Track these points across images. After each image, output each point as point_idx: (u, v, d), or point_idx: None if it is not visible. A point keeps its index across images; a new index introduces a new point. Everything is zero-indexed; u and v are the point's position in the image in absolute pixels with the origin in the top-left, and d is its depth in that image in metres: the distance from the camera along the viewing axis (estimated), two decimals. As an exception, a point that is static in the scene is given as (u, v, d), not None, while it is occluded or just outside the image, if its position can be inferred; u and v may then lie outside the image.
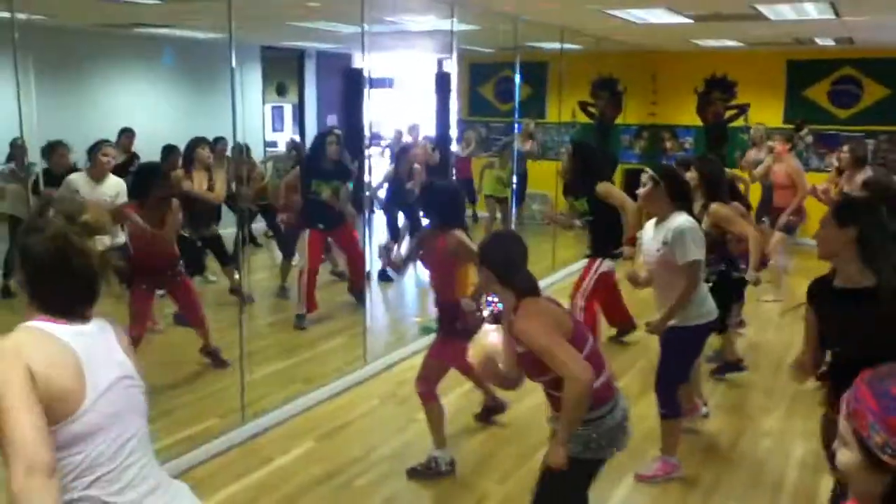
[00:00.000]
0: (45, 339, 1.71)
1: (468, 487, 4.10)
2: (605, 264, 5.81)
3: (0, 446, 1.59)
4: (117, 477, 1.77)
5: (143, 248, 5.17)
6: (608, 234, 5.81)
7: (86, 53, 9.11)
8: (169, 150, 7.46)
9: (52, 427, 1.65)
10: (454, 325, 4.14)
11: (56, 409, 1.66)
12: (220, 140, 7.94)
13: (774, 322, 7.04)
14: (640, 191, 4.08)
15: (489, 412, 4.86)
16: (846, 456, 1.24)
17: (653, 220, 4.09)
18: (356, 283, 7.10)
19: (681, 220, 3.89)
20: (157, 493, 1.84)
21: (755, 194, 8.26)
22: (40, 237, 1.75)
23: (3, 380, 1.61)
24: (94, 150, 5.76)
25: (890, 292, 2.71)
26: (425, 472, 4.15)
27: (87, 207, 1.82)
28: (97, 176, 5.67)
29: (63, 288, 1.77)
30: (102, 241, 1.79)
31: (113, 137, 8.02)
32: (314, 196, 6.62)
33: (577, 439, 2.75)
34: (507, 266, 2.87)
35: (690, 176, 4.91)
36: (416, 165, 8.49)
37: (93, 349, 1.77)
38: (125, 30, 8.97)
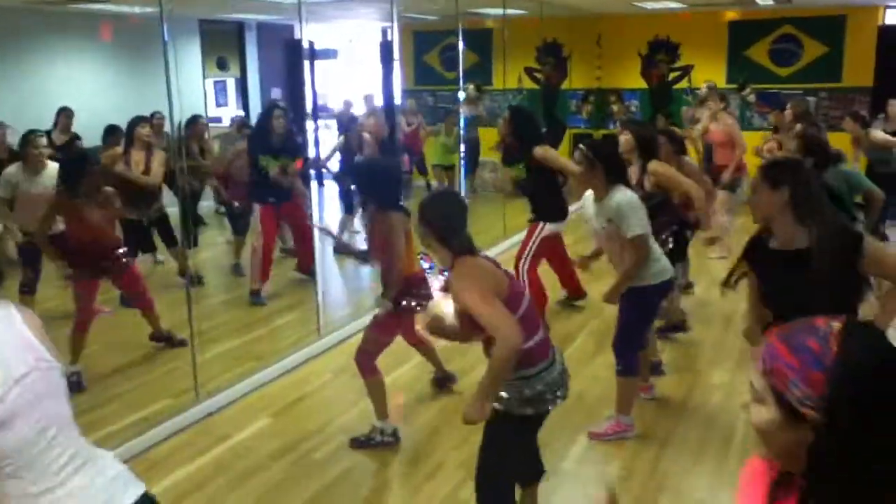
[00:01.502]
0: None
1: (425, 455, 4.13)
2: (548, 228, 5.85)
3: None
4: (39, 462, 1.75)
5: (82, 236, 4.99)
6: (549, 199, 5.84)
7: (18, 31, 8.79)
8: (110, 131, 7.26)
9: None
10: (405, 301, 4.12)
11: None
12: (155, 114, 7.72)
13: (721, 278, 7.16)
14: (577, 169, 4.11)
15: (439, 383, 4.88)
16: (762, 413, 1.22)
17: (591, 193, 4.11)
18: (304, 260, 7.03)
19: (619, 196, 3.91)
20: (82, 472, 1.81)
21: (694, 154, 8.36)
22: None
23: None
24: (24, 144, 5.56)
25: (824, 250, 2.76)
26: (367, 443, 4.17)
27: None
28: (33, 167, 5.49)
29: None
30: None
31: (49, 116, 7.81)
32: (263, 172, 6.51)
33: (517, 396, 2.80)
34: (446, 224, 2.87)
35: (625, 139, 4.95)
36: (366, 135, 8.40)
37: (1, 338, 1.72)
38: (58, 6, 8.66)
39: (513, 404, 2.82)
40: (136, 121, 6.40)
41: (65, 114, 7.85)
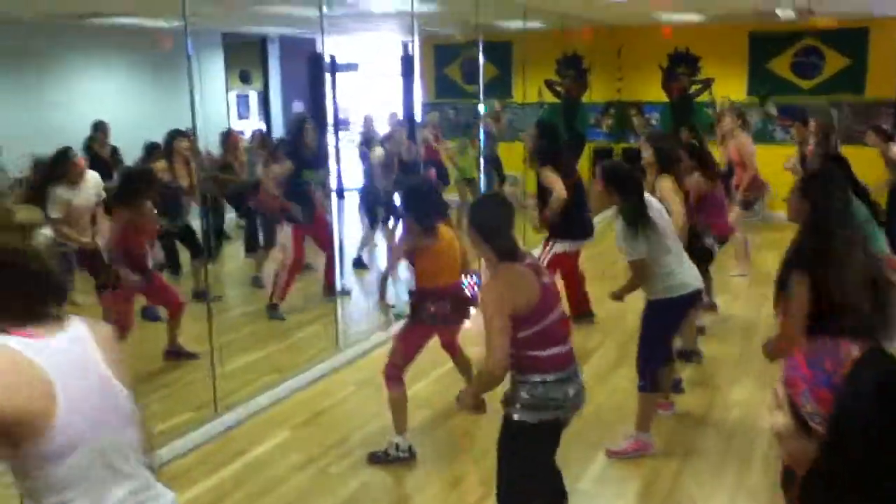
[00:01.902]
0: (8, 359, 1.63)
1: (444, 470, 4.13)
2: (559, 245, 5.84)
3: None
4: (97, 494, 1.74)
5: (128, 248, 5.17)
6: (563, 215, 5.82)
7: (41, 47, 8.92)
8: (151, 148, 7.36)
9: (25, 446, 1.62)
10: (421, 311, 4.17)
11: (25, 426, 1.62)
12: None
13: (741, 295, 7.14)
14: (597, 188, 4.18)
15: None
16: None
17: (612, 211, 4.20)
18: (329, 280, 7.06)
19: (620, 221, 4.01)
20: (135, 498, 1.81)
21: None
22: None
23: None
24: (65, 161, 5.66)
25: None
26: (383, 458, 4.18)
27: (16, 210, 1.79)
28: (76, 179, 5.61)
29: (20, 294, 1.72)
30: (44, 235, 1.76)
31: (73, 131, 7.87)
32: (302, 185, 6.56)
33: (521, 401, 2.86)
34: (490, 227, 2.94)
35: (646, 154, 4.98)
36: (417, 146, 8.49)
37: (64, 364, 1.69)
38: (79, 21, 8.79)
39: (517, 410, 2.88)
40: (175, 134, 6.53)
41: (102, 128, 7.98)
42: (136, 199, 5.23)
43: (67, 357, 1.71)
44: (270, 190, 7.06)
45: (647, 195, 4.15)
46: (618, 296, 4.30)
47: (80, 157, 5.80)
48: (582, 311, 6.37)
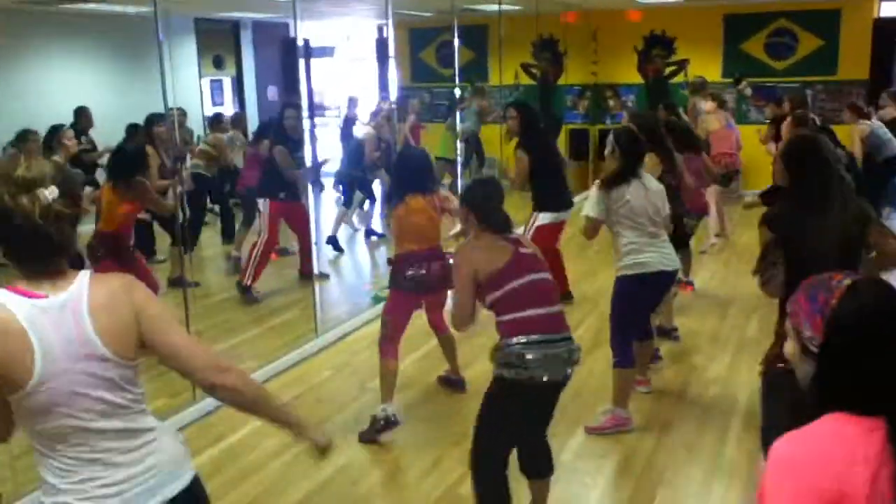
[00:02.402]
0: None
1: (424, 451, 4.13)
2: (542, 217, 5.88)
3: None
4: (84, 449, 1.80)
5: (115, 228, 5.18)
6: (544, 189, 5.91)
7: (11, 33, 8.76)
8: (133, 129, 7.28)
9: (10, 396, 1.74)
10: (397, 275, 4.27)
11: (7, 381, 1.72)
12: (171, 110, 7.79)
13: (718, 272, 7.20)
14: (607, 153, 4.29)
15: (448, 383, 4.89)
16: (790, 346, 1.53)
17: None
18: (305, 264, 7.05)
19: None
20: (139, 454, 1.86)
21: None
22: None
23: None
24: (54, 135, 5.62)
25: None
26: (370, 432, 4.20)
27: (20, 162, 1.78)
28: (66, 159, 5.57)
29: (18, 247, 1.77)
30: (44, 195, 1.73)
31: (45, 117, 7.75)
32: (282, 167, 6.54)
33: (505, 359, 2.95)
34: (483, 205, 3.17)
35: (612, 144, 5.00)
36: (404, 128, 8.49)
37: (47, 328, 1.73)
38: (50, 6, 8.64)
39: (499, 366, 2.98)
40: (152, 119, 6.43)
41: (84, 114, 7.86)
42: (132, 177, 5.16)
43: (54, 320, 1.75)
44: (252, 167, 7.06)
45: (647, 175, 4.22)
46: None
47: (71, 132, 5.73)
48: (560, 292, 6.39)
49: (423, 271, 4.22)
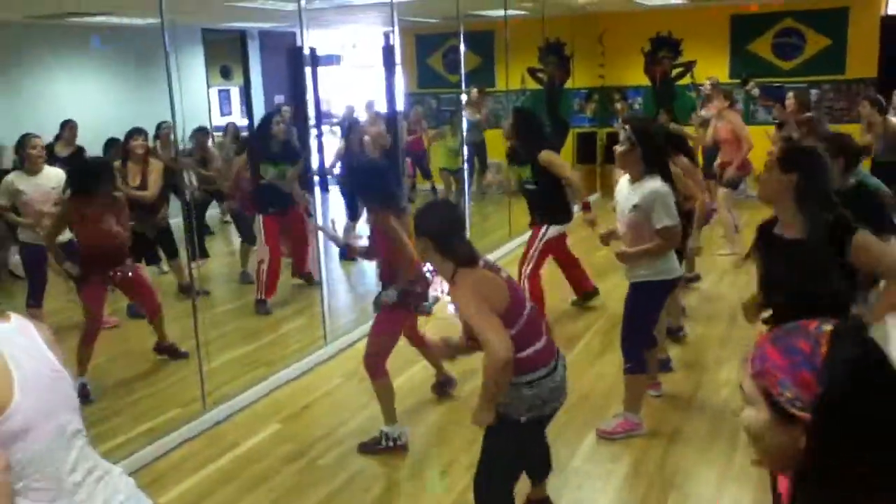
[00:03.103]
0: None
1: (432, 458, 4.13)
2: (552, 230, 5.84)
3: None
4: (56, 476, 1.77)
5: (92, 243, 5.02)
6: (552, 201, 5.82)
7: (19, 47, 8.85)
8: (111, 143, 7.31)
9: None
10: (414, 297, 4.15)
11: None
12: (162, 124, 7.77)
13: (729, 274, 7.17)
14: (618, 148, 4.07)
15: (441, 386, 4.88)
16: (753, 416, 1.23)
17: (626, 177, 4.08)
18: (299, 266, 7.06)
19: (652, 184, 3.89)
20: (99, 489, 1.83)
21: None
22: None
23: None
24: (22, 146, 5.63)
25: (816, 242, 2.75)
26: (374, 447, 4.18)
27: None
28: (33, 170, 5.54)
29: None
30: None
31: (53, 130, 7.85)
32: (262, 180, 6.52)
33: (520, 403, 2.82)
34: (444, 235, 2.84)
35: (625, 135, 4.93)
36: (366, 138, 8.43)
37: (16, 348, 1.73)
38: (57, 20, 8.71)
39: (511, 409, 2.84)
40: (130, 134, 6.39)
41: (69, 126, 7.87)
42: (96, 191, 4.93)
43: (18, 342, 1.75)
44: (233, 184, 7.06)
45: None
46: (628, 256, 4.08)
47: (37, 140, 5.68)
48: (586, 289, 6.41)
49: (419, 288, 4.16)
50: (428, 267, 4.18)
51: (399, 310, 4.17)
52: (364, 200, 4.22)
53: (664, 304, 4.43)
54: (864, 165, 5.43)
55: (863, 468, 1.13)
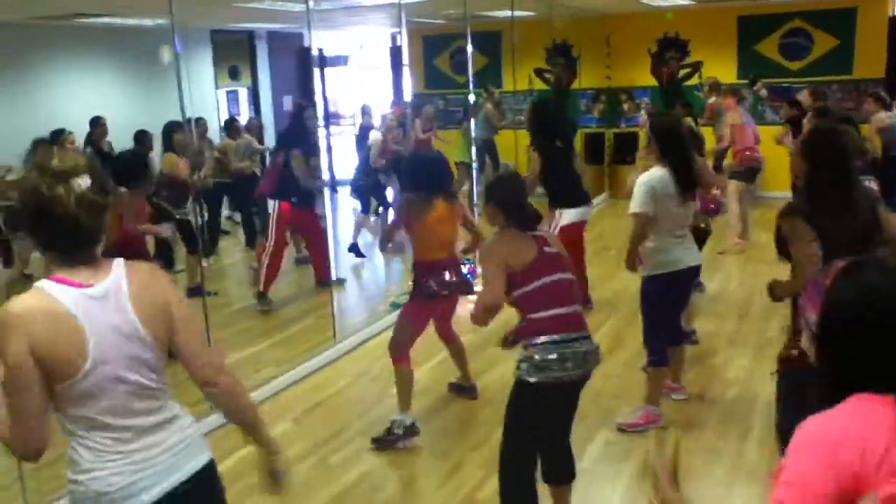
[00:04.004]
0: (48, 305, 1.78)
1: (443, 457, 4.14)
2: (566, 215, 5.86)
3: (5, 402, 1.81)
4: (125, 429, 1.89)
5: (127, 238, 5.08)
6: (562, 183, 5.92)
7: (29, 48, 8.89)
8: (142, 135, 7.36)
9: (60, 385, 1.80)
10: (422, 285, 4.21)
11: (59, 371, 1.78)
12: (200, 120, 7.89)
13: (736, 274, 7.17)
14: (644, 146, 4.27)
15: (459, 390, 4.89)
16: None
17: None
18: (320, 270, 7.06)
19: (647, 174, 4.04)
20: (163, 430, 1.97)
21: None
22: (21, 194, 1.85)
23: (5, 360, 1.75)
24: (57, 139, 5.68)
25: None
26: (387, 439, 4.20)
27: (55, 154, 1.86)
28: None
29: (55, 235, 1.85)
30: (78, 184, 1.80)
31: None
32: (292, 171, 6.56)
33: (528, 363, 2.95)
34: (511, 202, 3.12)
35: (645, 130, 5.00)
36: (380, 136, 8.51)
37: (97, 314, 1.82)
38: (65, 21, 8.75)
39: (523, 371, 2.96)
40: (172, 126, 6.52)
41: (100, 123, 7.93)
42: (134, 184, 4.97)
43: (101, 307, 1.84)
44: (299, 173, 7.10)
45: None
46: (630, 262, 4.25)
47: (73, 137, 5.79)
48: (582, 298, 6.40)
49: (447, 279, 4.22)
50: (465, 265, 4.34)
51: (425, 301, 4.24)
52: (415, 188, 4.35)
53: (681, 297, 4.42)
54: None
55: (847, 377, 1.37)
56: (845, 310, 1.38)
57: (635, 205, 4.01)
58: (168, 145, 6.62)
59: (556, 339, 2.94)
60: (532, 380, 2.94)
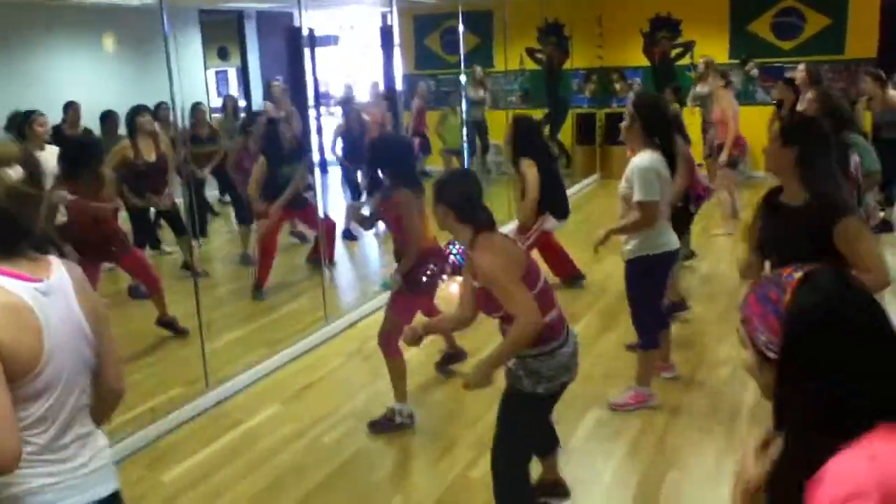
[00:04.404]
0: (8, 300, 1.70)
1: (436, 436, 4.16)
2: (550, 222, 5.90)
3: None
4: (61, 431, 1.81)
5: (83, 223, 5.05)
6: (554, 195, 5.91)
7: (18, 26, 8.78)
8: (106, 116, 7.29)
9: (13, 383, 1.68)
10: (410, 280, 4.15)
11: (16, 369, 1.68)
12: (161, 104, 7.76)
13: (728, 254, 7.19)
14: (623, 124, 4.16)
15: (449, 359, 4.90)
16: (747, 357, 1.39)
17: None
18: (317, 251, 7.01)
19: (640, 158, 3.96)
20: (84, 450, 1.88)
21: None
22: None
23: None
24: (26, 121, 5.61)
25: (816, 210, 2.78)
26: (385, 425, 4.21)
27: None
28: (35, 145, 5.52)
29: None
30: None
31: (50, 111, 7.80)
32: (280, 180, 6.49)
33: (532, 375, 2.83)
34: (464, 202, 2.90)
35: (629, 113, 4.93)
36: (365, 116, 8.42)
37: (51, 310, 1.76)
38: (55, 1, 8.66)
39: (525, 383, 2.85)
40: (137, 109, 6.42)
41: (73, 108, 7.84)
42: (84, 170, 4.99)
43: (54, 302, 1.77)
44: (240, 164, 7.05)
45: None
46: (602, 240, 4.14)
47: (44, 119, 5.70)
48: (571, 274, 6.42)
49: (432, 268, 4.16)
50: (454, 251, 4.24)
51: (410, 293, 4.18)
52: (384, 174, 4.18)
53: (665, 279, 4.43)
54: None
55: (817, 405, 1.24)
56: (813, 313, 1.26)
57: (643, 193, 3.92)
58: (132, 132, 6.43)
59: (556, 346, 2.85)
60: (540, 391, 2.86)
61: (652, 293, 4.27)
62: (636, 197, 3.93)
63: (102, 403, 1.98)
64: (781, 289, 1.31)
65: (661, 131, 4.05)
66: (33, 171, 1.78)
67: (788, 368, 1.28)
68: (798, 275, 1.31)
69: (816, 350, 1.25)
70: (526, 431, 3.00)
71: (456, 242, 4.32)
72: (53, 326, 1.75)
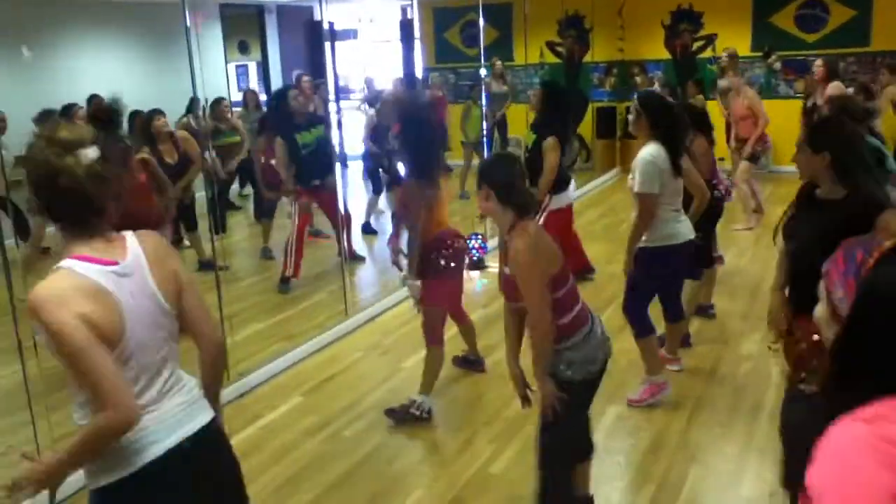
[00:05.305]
0: (83, 283, 1.80)
1: (455, 430, 4.17)
2: (555, 200, 5.83)
3: (80, 383, 1.81)
4: (149, 385, 1.95)
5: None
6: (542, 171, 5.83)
7: (36, 23, 8.87)
8: (134, 115, 7.32)
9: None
10: (428, 267, 4.16)
11: (103, 341, 1.80)
12: (195, 100, 7.82)
13: (749, 249, 7.13)
14: (630, 118, 4.20)
15: (466, 363, 4.90)
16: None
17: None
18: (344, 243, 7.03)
19: (644, 150, 4.01)
20: (175, 390, 2.03)
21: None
22: (29, 165, 1.85)
23: (59, 328, 1.73)
24: (67, 113, 5.66)
25: (857, 205, 2.74)
26: (400, 414, 4.22)
27: (62, 125, 1.86)
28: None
29: (66, 206, 1.85)
30: (86, 154, 1.81)
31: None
32: (303, 150, 6.48)
33: (570, 365, 2.87)
34: (507, 185, 2.91)
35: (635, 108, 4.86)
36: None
37: (127, 290, 1.87)
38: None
39: (562, 373, 2.88)
40: (152, 115, 6.47)
41: (95, 101, 7.90)
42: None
43: (130, 282, 1.88)
44: (277, 164, 7.03)
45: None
46: (627, 267, 4.23)
47: (83, 111, 5.78)
48: (581, 267, 6.38)
49: (450, 251, 4.18)
50: (473, 246, 4.24)
51: (440, 278, 4.19)
52: (405, 161, 4.27)
53: (672, 272, 4.37)
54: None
55: (869, 378, 1.21)
56: (888, 285, 1.22)
57: (640, 185, 3.97)
58: (149, 136, 6.40)
59: (586, 333, 2.89)
60: (578, 377, 2.88)
61: (646, 282, 4.25)
62: (635, 188, 4.00)
63: (209, 357, 2.11)
64: (868, 252, 1.32)
65: (665, 124, 4.06)
66: (108, 152, 1.87)
67: (852, 332, 1.26)
68: (889, 243, 1.30)
69: (883, 321, 1.21)
70: (567, 423, 2.96)
71: (476, 236, 4.33)
72: (131, 304, 1.86)
